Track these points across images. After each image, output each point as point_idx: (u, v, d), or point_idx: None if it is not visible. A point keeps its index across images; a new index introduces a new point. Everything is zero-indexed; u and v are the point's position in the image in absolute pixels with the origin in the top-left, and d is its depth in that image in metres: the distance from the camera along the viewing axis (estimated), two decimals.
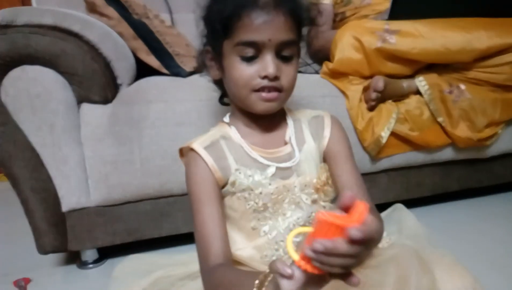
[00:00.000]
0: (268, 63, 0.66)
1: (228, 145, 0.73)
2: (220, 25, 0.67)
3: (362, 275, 0.66)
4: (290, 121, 0.78)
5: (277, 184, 0.71)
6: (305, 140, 0.76)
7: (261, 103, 0.69)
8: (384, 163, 1.31)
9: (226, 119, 0.79)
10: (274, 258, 0.71)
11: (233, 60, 0.68)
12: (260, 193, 0.69)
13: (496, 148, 1.41)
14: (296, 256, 0.45)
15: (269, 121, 0.76)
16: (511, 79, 1.26)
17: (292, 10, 0.66)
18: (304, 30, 0.73)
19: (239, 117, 0.76)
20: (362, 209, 0.44)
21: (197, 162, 0.72)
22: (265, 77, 0.67)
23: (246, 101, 0.70)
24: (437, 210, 1.46)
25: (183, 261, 0.84)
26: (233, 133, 0.75)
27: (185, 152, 0.77)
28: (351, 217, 0.44)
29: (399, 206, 0.93)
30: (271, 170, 0.71)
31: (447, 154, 1.37)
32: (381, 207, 0.95)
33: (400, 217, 0.90)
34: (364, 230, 0.42)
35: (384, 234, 0.89)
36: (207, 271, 0.66)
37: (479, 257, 1.11)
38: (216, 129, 0.78)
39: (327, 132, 0.78)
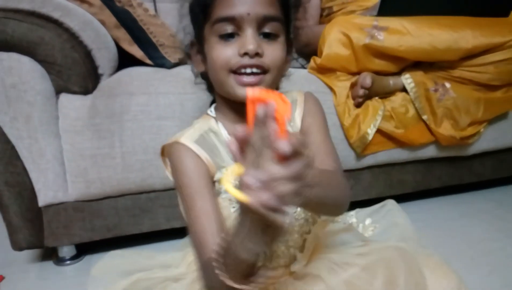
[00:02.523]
0: (248, 39, 0.61)
1: (218, 139, 0.69)
2: (199, 8, 0.64)
3: (351, 275, 0.66)
4: None
5: None
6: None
7: (241, 88, 0.63)
8: (368, 160, 1.31)
9: (212, 112, 0.74)
10: (261, 260, 0.68)
11: (212, 41, 0.63)
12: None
13: (477, 146, 1.43)
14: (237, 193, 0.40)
15: None
16: (495, 79, 1.27)
17: None
18: (293, 14, 0.69)
19: (225, 112, 0.72)
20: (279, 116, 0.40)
21: (188, 155, 0.66)
22: (245, 54, 0.61)
23: (226, 85, 0.64)
24: (418, 207, 1.47)
25: (165, 263, 0.80)
26: (220, 129, 0.71)
27: (169, 149, 0.71)
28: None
29: (391, 202, 0.91)
30: None
31: (430, 151, 1.38)
32: (364, 203, 0.94)
33: (390, 213, 0.89)
34: (293, 142, 0.38)
35: (369, 221, 0.89)
36: (205, 266, 0.62)
37: (460, 254, 1.13)
38: (201, 122, 0.73)
39: (299, 112, 0.74)
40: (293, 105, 0.74)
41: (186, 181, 0.66)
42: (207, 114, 0.74)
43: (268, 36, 0.63)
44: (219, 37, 0.63)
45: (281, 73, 0.68)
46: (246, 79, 0.63)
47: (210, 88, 0.79)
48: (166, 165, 0.73)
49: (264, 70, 0.63)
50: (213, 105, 0.75)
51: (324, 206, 0.58)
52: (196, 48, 0.71)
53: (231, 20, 0.61)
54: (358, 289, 0.63)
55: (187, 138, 0.67)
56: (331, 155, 0.71)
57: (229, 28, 0.62)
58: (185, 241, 0.75)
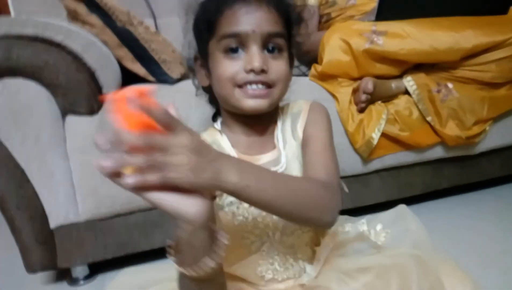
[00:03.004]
0: (253, 56, 0.62)
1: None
2: (205, 25, 0.65)
3: (362, 284, 0.66)
4: (279, 123, 0.74)
5: None
6: (287, 139, 0.72)
7: (247, 101, 0.64)
8: (376, 164, 1.31)
9: (218, 126, 0.75)
10: (269, 272, 0.68)
11: (218, 57, 0.65)
12: (250, 206, 0.64)
13: (484, 144, 1.43)
14: None
15: (260, 124, 0.72)
16: (497, 77, 1.27)
17: (276, 4, 0.64)
18: (295, 30, 0.71)
19: (230, 124, 0.73)
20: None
21: None
22: (251, 71, 0.62)
23: (232, 99, 0.65)
24: (428, 208, 1.47)
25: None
26: (224, 142, 0.71)
27: None
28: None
29: (402, 207, 0.90)
30: None
31: (437, 152, 1.37)
32: (373, 207, 0.94)
33: (401, 218, 0.88)
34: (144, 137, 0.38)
35: (380, 226, 0.88)
36: None
37: (472, 254, 1.12)
38: (207, 134, 0.74)
39: (301, 123, 0.73)
40: (297, 116, 0.74)
41: None
42: (213, 127, 0.75)
43: (272, 51, 0.65)
44: (224, 53, 0.64)
45: (287, 86, 0.69)
46: (252, 91, 0.64)
47: (213, 100, 0.80)
48: None
49: (269, 85, 0.65)
50: (220, 119, 0.75)
51: (281, 212, 0.54)
52: (200, 62, 0.72)
53: (236, 36, 0.62)
54: None
55: None
56: (325, 167, 0.67)
57: (234, 44, 0.63)
58: None
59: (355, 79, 1.23)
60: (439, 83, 1.27)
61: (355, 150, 1.24)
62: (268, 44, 0.64)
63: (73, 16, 1.11)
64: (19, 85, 0.93)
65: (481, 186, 1.57)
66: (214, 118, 0.81)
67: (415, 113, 1.26)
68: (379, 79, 1.21)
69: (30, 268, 1.06)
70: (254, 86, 0.64)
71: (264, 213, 0.67)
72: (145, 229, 1.13)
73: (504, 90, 1.33)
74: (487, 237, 1.23)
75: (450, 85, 1.27)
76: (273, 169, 0.68)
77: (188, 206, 0.41)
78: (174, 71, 1.15)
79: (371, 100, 1.20)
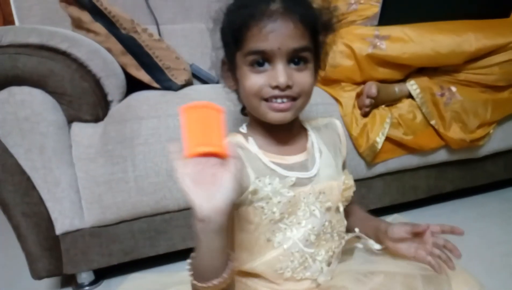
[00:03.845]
0: (278, 72, 0.64)
1: (246, 155, 0.70)
2: (231, 37, 0.67)
3: (376, 284, 0.67)
4: (309, 129, 0.79)
5: (294, 192, 0.68)
6: (322, 150, 0.76)
7: (272, 113, 0.68)
8: (380, 168, 1.31)
9: (243, 129, 0.77)
10: (288, 270, 0.70)
11: (244, 70, 0.67)
12: (279, 202, 0.67)
13: (488, 147, 1.43)
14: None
15: (288, 130, 0.74)
16: (500, 80, 1.27)
17: (302, 17, 0.64)
18: (322, 37, 0.72)
19: (256, 128, 0.75)
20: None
21: None
22: (276, 87, 0.65)
23: (259, 110, 0.69)
24: (433, 211, 1.47)
25: (186, 279, 0.82)
26: (250, 144, 0.73)
27: None
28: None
29: (398, 217, 0.92)
30: (291, 179, 0.69)
31: (441, 156, 1.37)
32: (378, 211, 0.95)
33: None
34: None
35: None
36: None
37: (478, 257, 1.12)
38: (230, 138, 0.75)
39: (343, 139, 0.82)
40: (333, 133, 0.83)
41: None
42: (239, 132, 0.77)
43: (298, 64, 0.67)
44: (250, 66, 0.66)
45: (310, 96, 0.71)
46: (277, 105, 0.67)
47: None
48: None
49: (293, 98, 0.67)
50: (245, 124, 0.78)
51: None
52: (227, 66, 0.74)
53: (262, 54, 0.65)
54: None
55: None
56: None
57: (260, 61, 0.65)
58: None
59: (358, 84, 1.23)
60: (442, 87, 1.27)
61: (359, 154, 1.24)
62: (294, 58, 0.66)
63: (77, 24, 1.12)
64: (25, 93, 0.93)
65: (485, 189, 1.57)
66: (242, 111, 0.85)
67: (419, 117, 1.26)
68: (382, 83, 1.21)
69: (36, 274, 1.07)
70: (279, 100, 0.66)
71: (290, 209, 0.69)
72: (150, 235, 1.13)
73: (508, 93, 1.33)
74: (491, 240, 1.23)
75: (453, 88, 1.27)
76: (307, 173, 0.72)
77: (203, 197, 0.50)
78: (178, 78, 1.15)
79: (375, 104, 1.20)
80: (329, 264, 0.72)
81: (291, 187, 0.69)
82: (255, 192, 0.67)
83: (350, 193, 0.77)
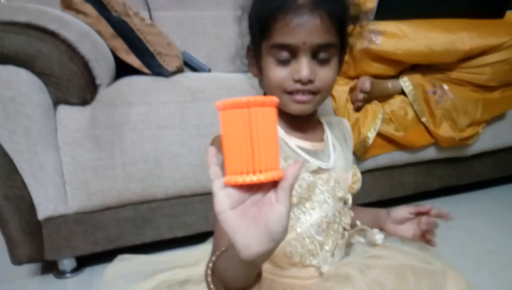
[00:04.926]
0: (302, 67, 0.65)
1: None
2: (258, 27, 0.68)
3: (377, 275, 0.68)
4: (326, 126, 0.81)
5: (313, 177, 0.70)
6: (335, 145, 0.79)
7: (293, 105, 0.69)
8: (369, 163, 1.31)
9: None
10: (297, 255, 0.70)
11: (269, 61, 0.68)
12: (300, 185, 0.68)
13: (476, 147, 1.44)
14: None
15: (308, 120, 0.76)
16: (492, 80, 1.28)
17: (330, 12, 0.64)
18: (349, 29, 0.72)
19: (278, 114, 0.74)
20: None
21: None
22: (298, 81, 0.66)
23: (280, 101, 0.68)
24: None
25: (179, 261, 0.81)
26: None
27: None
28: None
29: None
30: (315, 164, 0.71)
31: (430, 153, 1.38)
32: (366, 206, 0.95)
33: None
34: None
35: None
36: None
37: (463, 254, 1.13)
38: None
39: (351, 136, 0.85)
40: (345, 131, 0.84)
41: None
42: None
43: (321, 59, 0.67)
44: (275, 60, 0.67)
45: (330, 91, 0.73)
46: (299, 97, 0.68)
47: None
48: None
49: (314, 93, 0.68)
50: None
51: None
52: (252, 53, 0.75)
53: (287, 47, 0.65)
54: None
55: None
56: None
57: (284, 54, 0.66)
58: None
59: (351, 78, 1.23)
60: (434, 84, 1.27)
61: None
62: (318, 54, 0.66)
63: (67, 5, 1.08)
64: (11, 73, 0.90)
65: (472, 188, 1.59)
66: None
67: (410, 114, 1.26)
68: (375, 79, 1.21)
69: (16, 260, 1.04)
70: (300, 93, 0.68)
71: (307, 195, 0.70)
72: (136, 223, 1.11)
73: (498, 93, 1.34)
74: (478, 237, 1.24)
75: (445, 86, 1.27)
76: (327, 164, 0.74)
77: (250, 238, 0.41)
78: (170, 64, 1.13)
79: (368, 99, 1.20)
80: (332, 255, 0.73)
81: (311, 172, 0.70)
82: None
83: (359, 185, 0.80)
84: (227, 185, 0.41)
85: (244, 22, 0.73)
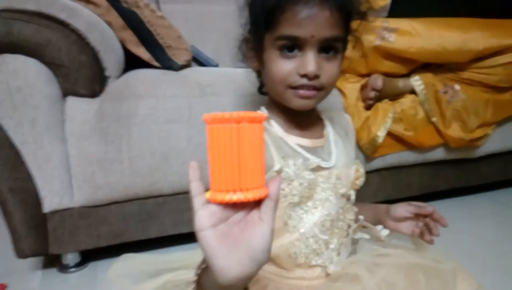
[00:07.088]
0: (308, 61, 0.62)
1: (269, 137, 0.69)
2: (263, 17, 0.64)
3: (386, 274, 0.67)
4: (326, 122, 0.79)
5: (313, 175, 0.68)
6: (336, 141, 0.77)
7: (297, 100, 0.66)
8: (377, 163, 1.29)
9: (263, 111, 0.75)
10: (302, 256, 0.68)
11: (273, 54, 0.65)
12: (300, 184, 0.66)
13: (484, 148, 1.43)
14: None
15: (308, 116, 0.74)
16: (503, 81, 1.27)
17: (339, 5, 0.62)
18: (354, 24, 0.69)
19: (276, 110, 0.73)
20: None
21: None
22: (304, 76, 0.63)
23: (283, 96, 0.67)
24: None
25: (183, 261, 0.80)
26: (274, 127, 0.71)
27: None
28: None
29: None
30: (314, 161, 0.68)
31: (438, 154, 1.37)
32: None
33: None
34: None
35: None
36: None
37: (471, 256, 1.12)
38: None
39: (352, 130, 0.84)
40: (347, 127, 0.83)
41: None
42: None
43: (328, 53, 0.65)
44: (280, 53, 0.64)
45: (333, 88, 0.70)
46: (303, 92, 0.65)
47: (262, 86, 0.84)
48: None
49: (319, 89, 0.66)
50: (262, 106, 0.76)
51: None
52: (251, 45, 0.72)
53: (294, 40, 0.62)
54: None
55: None
56: None
57: (290, 46, 0.63)
58: None
59: (362, 76, 1.21)
60: (446, 84, 1.26)
61: (359, 147, 1.22)
62: (324, 47, 0.64)
63: None
64: (19, 62, 0.88)
65: (479, 190, 1.58)
66: (260, 90, 0.84)
67: (421, 113, 1.25)
68: (387, 77, 1.19)
69: (21, 253, 1.02)
70: (305, 88, 0.65)
71: (308, 194, 0.68)
72: (141, 218, 1.09)
73: (509, 95, 1.33)
74: (484, 240, 1.23)
75: (457, 86, 1.26)
76: (328, 163, 0.71)
77: (229, 261, 0.39)
78: (179, 58, 1.11)
79: (378, 98, 1.18)
80: (338, 254, 0.72)
81: (311, 170, 0.68)
82: (280, 171, 0.66)
83: (362, 181, 0.78)
84: (211, 202, 0.40)
85: (246, 12, 0.71)
